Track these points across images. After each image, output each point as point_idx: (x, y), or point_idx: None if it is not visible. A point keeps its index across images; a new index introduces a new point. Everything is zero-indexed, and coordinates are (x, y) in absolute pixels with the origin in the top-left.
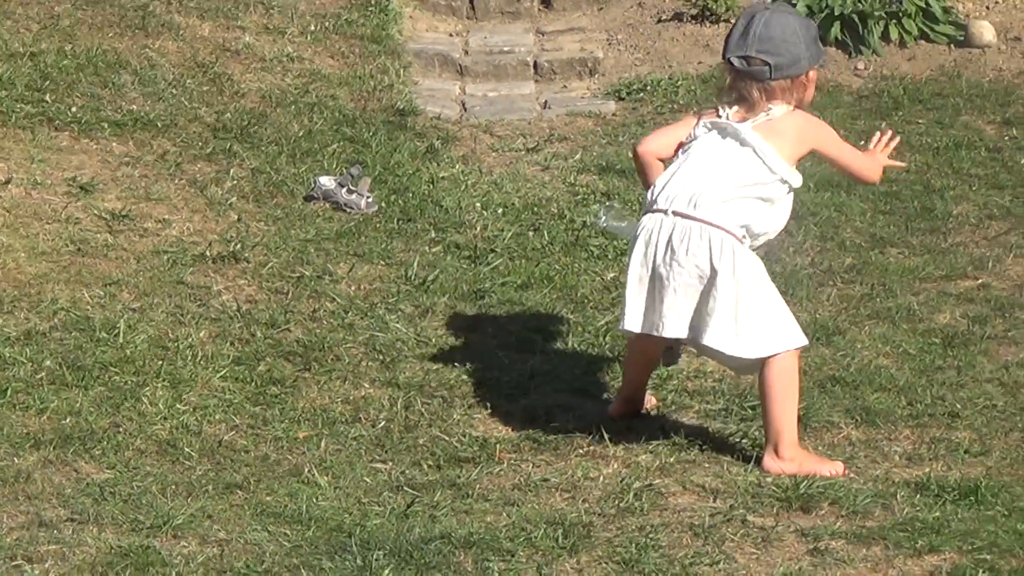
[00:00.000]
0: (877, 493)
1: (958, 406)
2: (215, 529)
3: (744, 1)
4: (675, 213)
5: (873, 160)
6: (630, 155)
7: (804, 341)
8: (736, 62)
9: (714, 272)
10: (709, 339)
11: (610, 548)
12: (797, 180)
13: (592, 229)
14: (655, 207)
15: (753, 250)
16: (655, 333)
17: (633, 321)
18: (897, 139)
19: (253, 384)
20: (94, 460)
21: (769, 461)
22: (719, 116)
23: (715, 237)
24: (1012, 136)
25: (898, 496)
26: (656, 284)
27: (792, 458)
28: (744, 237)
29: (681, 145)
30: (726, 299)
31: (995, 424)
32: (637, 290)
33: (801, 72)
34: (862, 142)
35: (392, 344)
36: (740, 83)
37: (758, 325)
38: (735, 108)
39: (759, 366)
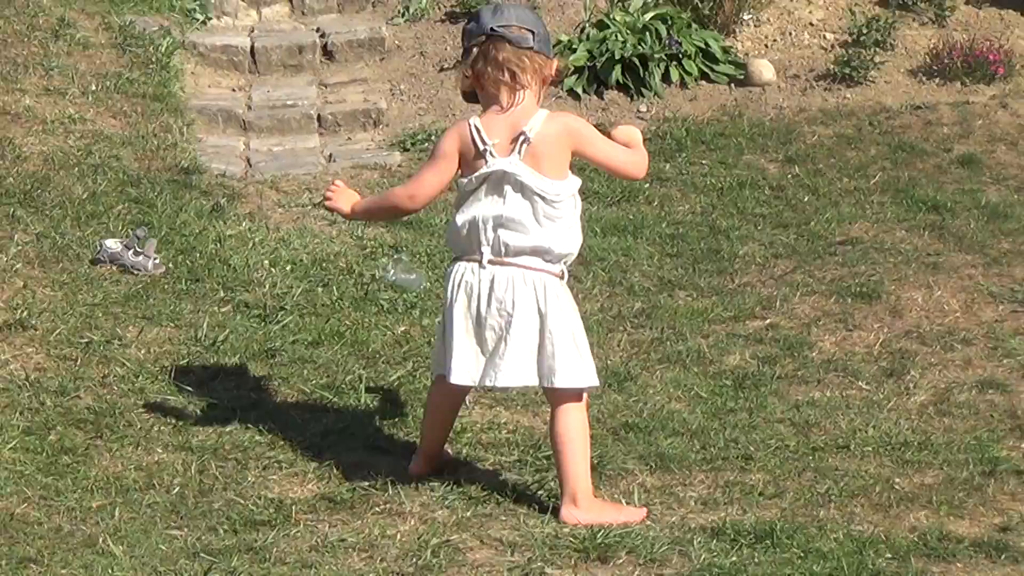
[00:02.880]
0: (674, 540)
1: (751, 448)
2: None
3: None
4: (491, 262)
5: (639, 153)
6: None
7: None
8: (500, 29)
9: (542, 316)
10: (561, 381)
11: None
12: (576, 184)
13: (381, 283)
14: (467, 256)
15: (568, 270)
16: (488, 384)
17: (462, 375)
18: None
19: (44, 454)
20: None
21: (566, 512)
22: (482, 147)
23: (538, 281)
24: (795, 174)
25: (695, 542)
26: (486, 335)
27: (589, 508)
28: (561, 272)
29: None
30: (564, 339)
31: (788, 465)
32: (465, 342)
33: (550, 54)
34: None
35: (184, 407)
36: (492, 61)
37: (587, 354)
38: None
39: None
